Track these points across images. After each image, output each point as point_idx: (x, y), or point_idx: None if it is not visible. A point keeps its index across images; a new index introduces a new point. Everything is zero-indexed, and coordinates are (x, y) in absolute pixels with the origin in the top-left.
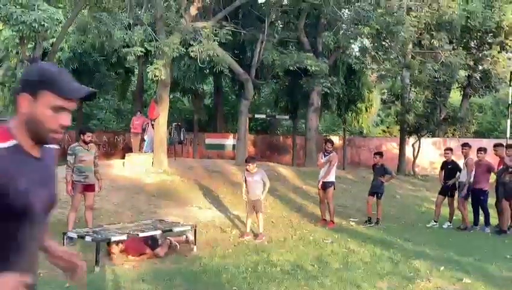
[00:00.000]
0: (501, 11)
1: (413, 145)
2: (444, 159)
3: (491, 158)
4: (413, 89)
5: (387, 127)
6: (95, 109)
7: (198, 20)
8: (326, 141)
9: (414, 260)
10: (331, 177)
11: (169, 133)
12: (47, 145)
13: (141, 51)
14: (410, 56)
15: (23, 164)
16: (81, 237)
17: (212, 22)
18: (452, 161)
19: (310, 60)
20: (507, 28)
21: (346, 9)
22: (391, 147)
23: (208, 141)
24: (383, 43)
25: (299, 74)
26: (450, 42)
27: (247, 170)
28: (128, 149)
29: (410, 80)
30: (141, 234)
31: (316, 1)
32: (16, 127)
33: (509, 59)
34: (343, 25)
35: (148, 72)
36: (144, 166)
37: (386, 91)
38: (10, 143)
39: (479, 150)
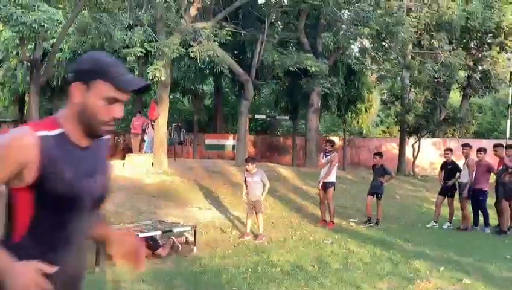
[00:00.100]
0: (501, 11)
1: (413, 145)
2: (444, 159)
3: (490, 158)
4: (413, 90)
5: (387, 128)
6: None
7: (198, 20)
8: (327, 141)
9: (414, 260)
10: (332, 178)
11: (169, 134)
12: None
13: (141, 52)
14: (410, 57)
15: (68, 153)
16: None
17: (212, 22)
18: (452, 161)
19: (310, 60)
20: (507, 28)
21: (346, 10)
22: (391, 147)
23: (207, 141)
24: (383, 43)
25: (299, 74)
26: (450, 43)
27: (246, 170)
28: (128, 150)
29: (410, 81)
30: (141, 235)
31: (315, 2)
32: (64, 116)
33: (509, 59)
34: (343, 26)
35: (148, 73)
36: (144, 166)
37: (385, 92)
38: (56, 131)
39: (479, 150)
